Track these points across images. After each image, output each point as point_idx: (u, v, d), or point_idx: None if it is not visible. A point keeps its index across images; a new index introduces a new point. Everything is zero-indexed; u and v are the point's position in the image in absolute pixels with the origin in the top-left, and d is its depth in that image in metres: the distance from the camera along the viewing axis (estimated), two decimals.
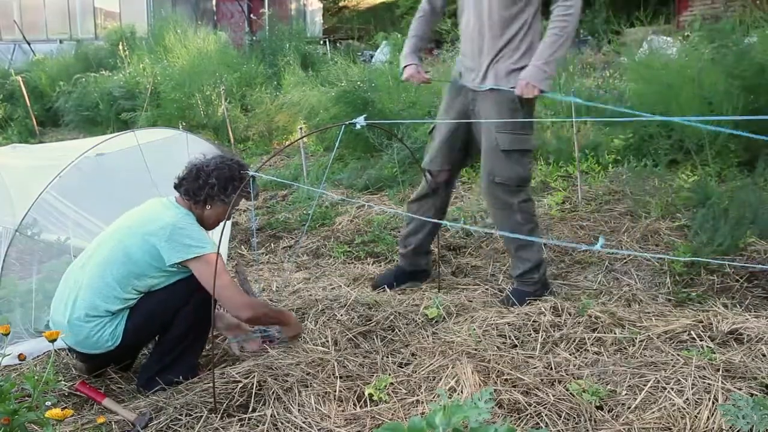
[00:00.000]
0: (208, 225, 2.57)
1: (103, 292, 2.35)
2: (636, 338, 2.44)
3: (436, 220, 3.05)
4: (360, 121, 2.73)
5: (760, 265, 2.96)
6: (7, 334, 1.74)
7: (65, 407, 1.88)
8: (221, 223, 2.46)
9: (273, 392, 2.24)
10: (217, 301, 2.38)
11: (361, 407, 2.19)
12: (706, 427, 1.91)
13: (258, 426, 2.10)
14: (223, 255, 3.39)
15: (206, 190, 2.48)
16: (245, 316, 2.48)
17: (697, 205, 3.72)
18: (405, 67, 3.08)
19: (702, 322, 2.53)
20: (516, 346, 2.50)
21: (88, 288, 2.36)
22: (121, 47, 10.77)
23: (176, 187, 2.54)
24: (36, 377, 1.64)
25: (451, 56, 7.03)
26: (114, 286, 2.35)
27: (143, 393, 2.43)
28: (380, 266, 3.59)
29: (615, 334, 2.50)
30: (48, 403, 1.67)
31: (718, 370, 2.14)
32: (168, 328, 2.44)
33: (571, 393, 2.10)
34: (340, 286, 3.38)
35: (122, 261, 2.36)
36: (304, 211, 4.69)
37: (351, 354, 2.52)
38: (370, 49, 14.86)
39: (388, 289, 3.23)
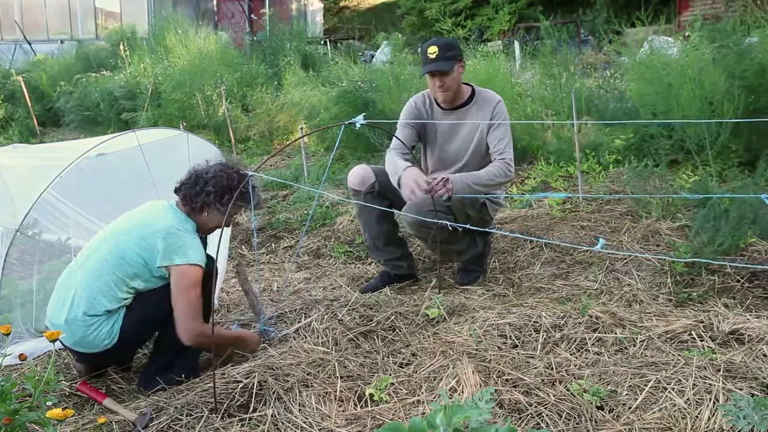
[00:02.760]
0: (206, 231, 2.58)
1: (101, 291, 2.36)
2: (637, 338, 2.44)
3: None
4: (359, 120, 2.73)
5: (761, 265, 2.95)
6: (7, 334, 1.74)
7: (66, 407, 1.88)
8: (221, 228, 2.46)
9: (274, 392, 2.24)
10: (214, 298, 2.39)
11: (361, 407, 2.19)
12: (707, 427, 1.91)
13: (259, 426, 2.10)
14: (222, 258, 3.40)
15: (203, 197, 2.49)
16: (186, 342, 2.41)
17: (697, 205, 3.72)
18: (407, 168, 3.01)
19: (703, 322, 2.53)
20: (517, 346, 2.50)
21: (85, 287, 2.37)
22: (121, 47, 10.78)
23: (176, 191, 2.56)
24: (37, 377, 1.64)
25: None
26: (111, 286, 2.37)
27: (144, 393, 2.44)
28: (380, 266, 3.58)
29: (616, 334, 2.49)
30: (49, 403, 1.67)
31: (719, 370, 2.14)
32: (165, 327, 2.44)
33: (571, 393, 2.10)
34: (341, 286, 3.39)
35: (118, 261, 2.38)
36: (305, 211, 4.69)
37: (352, 354, 2.52)
38: (371, 49, 14.86)
39: (387, 290, 3.24)
